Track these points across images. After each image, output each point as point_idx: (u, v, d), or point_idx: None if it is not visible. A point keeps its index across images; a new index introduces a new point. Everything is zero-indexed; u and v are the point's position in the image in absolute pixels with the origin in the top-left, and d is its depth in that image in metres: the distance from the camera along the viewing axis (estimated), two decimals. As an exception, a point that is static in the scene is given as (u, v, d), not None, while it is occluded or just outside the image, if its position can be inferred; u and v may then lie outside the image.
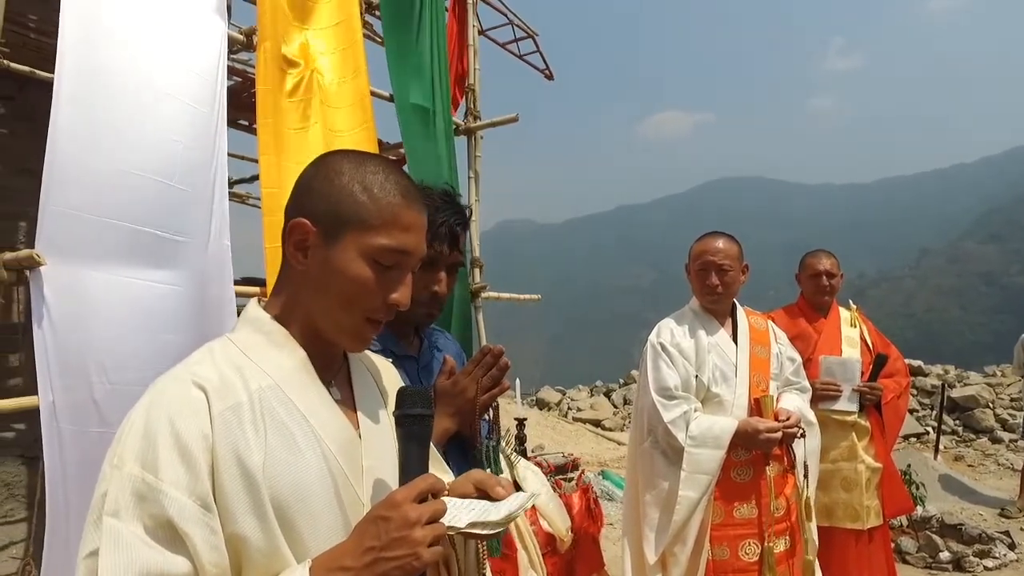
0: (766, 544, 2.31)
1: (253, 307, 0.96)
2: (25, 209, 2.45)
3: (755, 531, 2.35)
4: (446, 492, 0.93)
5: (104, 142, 2.33)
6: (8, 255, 2.22)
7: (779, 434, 2.32)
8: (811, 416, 2.60)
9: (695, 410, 2.39)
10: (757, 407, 2.41)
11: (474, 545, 1.00)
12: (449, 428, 1.40)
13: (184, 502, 0.74)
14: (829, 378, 2.92)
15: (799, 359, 2.72)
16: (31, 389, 2.15)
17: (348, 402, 0.95)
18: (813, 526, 2.48)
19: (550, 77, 6.88)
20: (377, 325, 0.93)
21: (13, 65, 2.43)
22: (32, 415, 2.16)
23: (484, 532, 0.84)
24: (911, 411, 9.81)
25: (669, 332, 2.53)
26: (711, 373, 2.44)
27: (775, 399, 2.47)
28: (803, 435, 2.42)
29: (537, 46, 6.72)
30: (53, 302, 2.16)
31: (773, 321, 2.78)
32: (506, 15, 6.38)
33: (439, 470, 1.12)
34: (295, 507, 0.81)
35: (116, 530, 0.73)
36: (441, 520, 0.80)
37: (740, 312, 2.60)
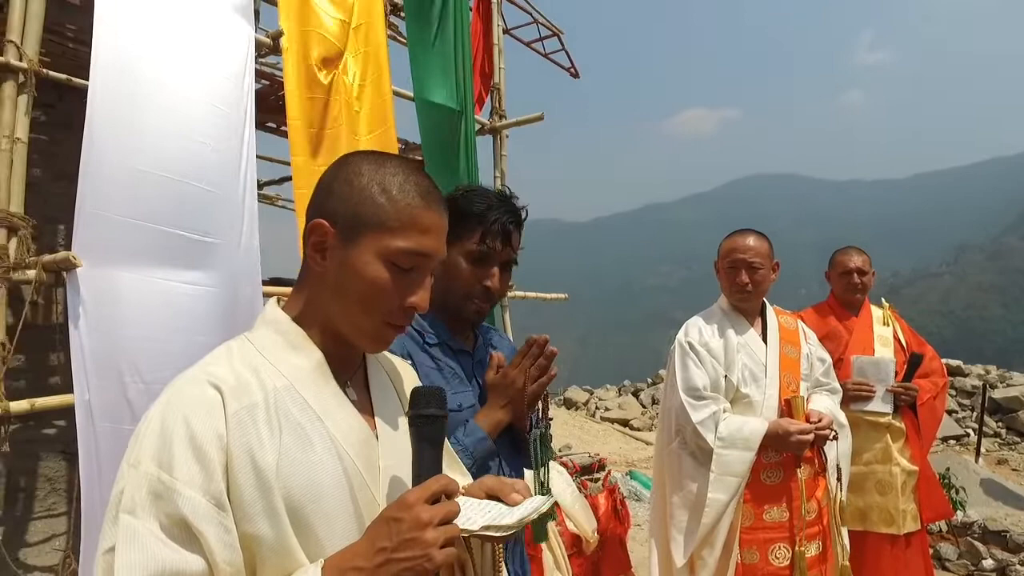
0: (797, 548, 2.26)
1: (271, 307, 0.96)
2: (63, 213, 2.51)
3: (786, 535, 2.30)
4: (460, 493, 0.92)
5: (136, 146, 2.38)
6: (47, 257, 2.28)
7: (810, 436, 2.27)
8: (843, 418, 2.54)
9: (724, 411, 2.36)
10: (788, 408, 2.36)
11: (490, 548, 0.99)
12: (502, 420, 1.42)
13: (198, 501, 0.75)
14: (861, 378, 2.85)
15: (829, 360, 2.66)
16: (70, 387, 2.21)
17: (365, 403, 0.95)
18: (846, 530, 2.42)
19: (575, 75, 6.86)
20: (397, 328, 0.92)
21: (52, 74, 2.50)
22: (71, 412, 2.22)
23: (498, 535, 0.83)
24: (950, 412, 9.55)
25: (697, 331, 2.49)
26: (740, 373, 2.40)
27: (806, 400, 2.42)
28: (835, 437, 2.36)
29: (562, 44, 6.70)
30: (88, 303, 2.22)
31: (802, 320, 2.73)
32: (531, 14, 6.37)
33: (456, 471, 1.12)
34: (309, 507, 0.81)
35: (132, 527, 0.73)
36: (455, 521, 0.79)
37: (770, 311, 2.55)
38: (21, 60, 2.35)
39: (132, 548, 0.72)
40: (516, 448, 1.51)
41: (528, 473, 1.49)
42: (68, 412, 2.27)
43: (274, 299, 0.97)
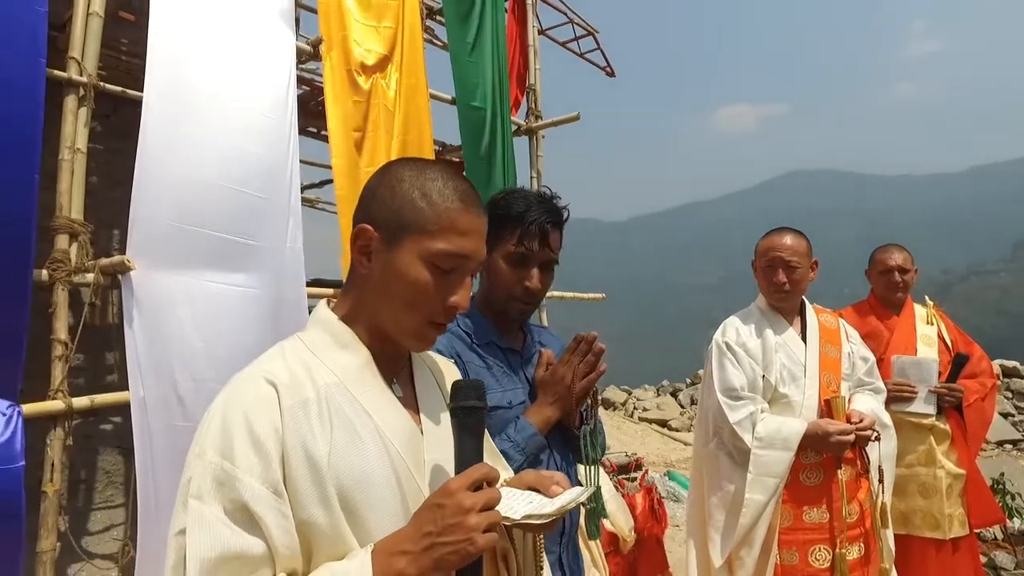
0: (838, 550, 2.23)
1: (322, 308, 1.00)
2: (118, 218, 2.64)
3: (826, 536, 2.26)
4: (503, 481, 0.96)
5: (186, 154, 2.48)
6: (104, 261, 2.40)
7: (851, 437, 2.23)
8: (886, 418, 2.48)
9: (762, 411, 2.33)
10: (828, 408, 2.32)
11: (532, 539, 1.01)
12: (551, 416, 1.45)
13: (257, 488, 0.80)
14: (902, 379, 2.78)
15: (873, 359, 2.60)
16: (126, 385, 2.32)
17: (410, 399, 0.99)
18: (889, 533, 2.37)
19: (611, 74, 6.83)
20: (439, 327, 0.96)
21: (108, 87, 2.63)
22: (126, 409, 2.33)
23: (538, 523, 0.86)
24: (1005, 415, 9.18)
25: (735, 331, 2.47)
26: (779, 373, 2.37)
27: (847, 400, 2.38)
28: (877, 438, 2.32)
29: (598, 43, 6.68)
30: (142, 304, 2.32)
31: (843, 319, 2.68)
32: (566, 14, 6.38)
33: (498, 464, 1.15)
34: (358, 496, 0.85)
35: (200, 512, 0.79)
36: (498, 509, 0.82)
37: (809, 310, 2.51)
38: (81, 75, 2.48)
39: (201, 530, 0.78)
40: (567, 443, 1.53)
41: (580, 469, 1.52)
42: (124, 408, 2.39)
43: (324, 300, 1.02)
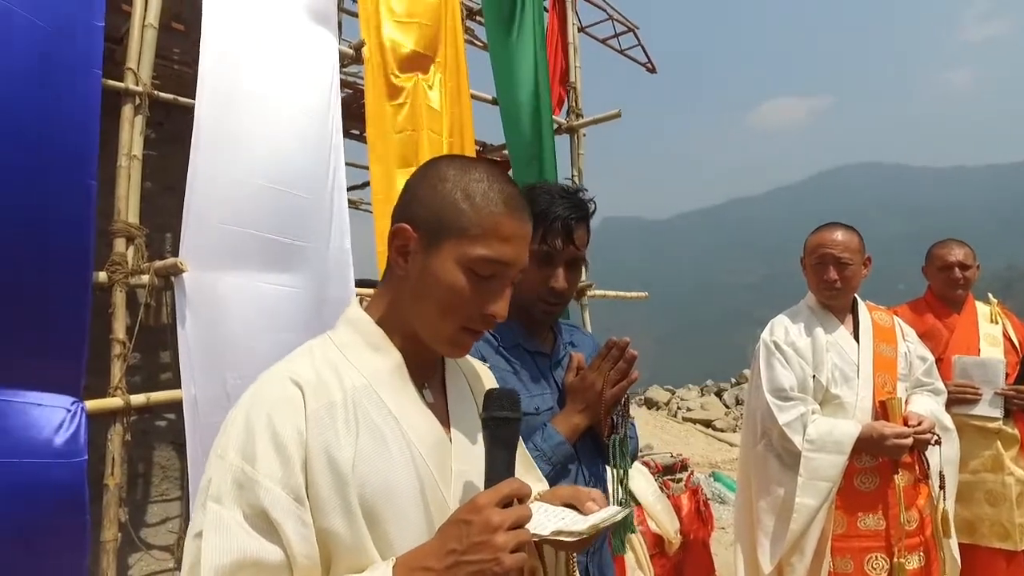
0: (896, 559, 2.14)
1: (354, 307, 0.97)
2: (171, 222, 2.72)
3: (883, 544, 2.18)
4: (535, 497, 0.91)
5: (236, 158, 2.55)
6: (158, 263, 2.48)
7: (909, 440, 2.14)
8: (947, 421, 2.38)
9: (813, 412, 2.26)
10: (883, 410, 2.24)
11: (564, 557, 0.96)
12: (580, 424, 1.39)
13: (277, 493, 0.77)
14: (965, 380, 2.66)
15: (931, 358, 2.49)
16: (179, 383, 2.39)
17: (441, 405, 0.95)
18: (953, 543, 2.27)
19: (652, 70, 6.75)
20: (475, 334, 0.92)
21: (161, 94, 2.72)
22: (180, 406, 2.40)
23: (568, 540, 0.81)
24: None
25: (783, 330, 2.41)
26: (830, 373, 2.30)
27: (904, 402, 2.29)
28: (938, 441, 2.22)
29: (638, 39, 6.61)
30: (193, 305, 2.40)
31: (898, 317, 2.58)
32: (605, 10, 6.33)
33: (532, 477, 1.10)
34: (382, 505, 0.82)
35: (218, 515, 0.77)
36: (526, 526, 0.78)
37: (862, 307, 2.42)
38: (137, 84, 2.57)
39: (218, 534, 0.76)
40: (598, 451, 1.47)
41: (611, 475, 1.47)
42: (177, 406, 2.46)
43: (356, 299, 1.01)
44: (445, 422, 0.93)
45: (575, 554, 0.97)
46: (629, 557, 2.43)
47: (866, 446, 2.18)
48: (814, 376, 2.31)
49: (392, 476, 0.83)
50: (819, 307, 2.41)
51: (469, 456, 0.91)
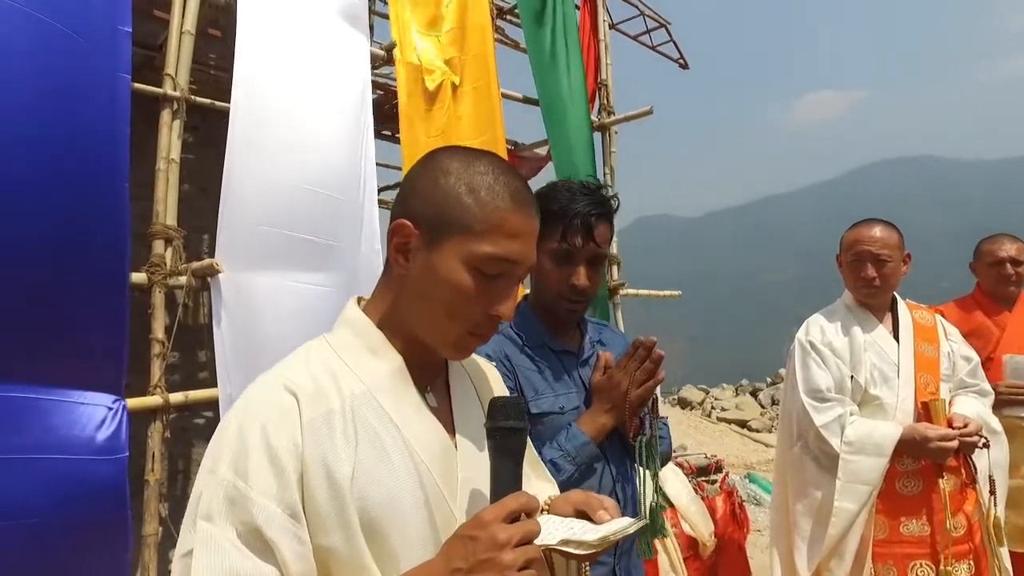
0: (943, 567, 2.06)
1: (351, 307, 0.91)
2: (208, 223, 2.79)
3: (927, 551, 2.10)
4: (544, 510, 0.87)
5: (270, 159, 2.60)
6: (195, 264, 2.54)
7: (954, 443, 2.07)
8: (995, 423, 2.29)
9: (851, 414, 2.20)
10: (926, 412, 2.16)
11: (576, 568, 0.92)
12: (605, 424, 1.37)
13: (272, 510, 0.73)
14: (1016, 380, 2.56)
15: (976, 358, 2.40)
16: (216, 382, 2.44)
17: (445, 409, 0.90)
18: (1005, 551, 2.18)
19: (684, 66, 6.67)
20: (481, 337, 0.87)
21: (198, 99, 2.78)
22: (217, 404, 2.45)
23: (576, 552, 0.77)
24: None
25: (819, 329, 2.35)
26: (868, 374, 2.23)
27: (947, 403, 2.21)
28: (986, 444, 2.14)
29: (670, 35, 6.54)
30: (229, 305, 2.44)
31: (943, 316, 2.49)
32: (636, 6, 6.28)
33: (542, 479, 1.06)
34: (384, 519, 0.77)
35: (209, 533, 0.72)
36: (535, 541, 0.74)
37: (902, 306, 2.35)
38: (175, 90, 2.63)
39: (209, 553, 0.72)
40: (626, 451, 1.44)
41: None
42: (215, 404, 2.52)
43: (354, 298, 0.94)
44: (449, 427, 0.88)
45: (587, 567, 0.92)
46: (663, 560, 2.40)
47: (908, 449, 2.11)
48: (852, 377, 2.25)
49: (395, 488, 0.79)
50: (856, 306, 2.35)
51: (476, 463, 0.86)
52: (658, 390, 1.42)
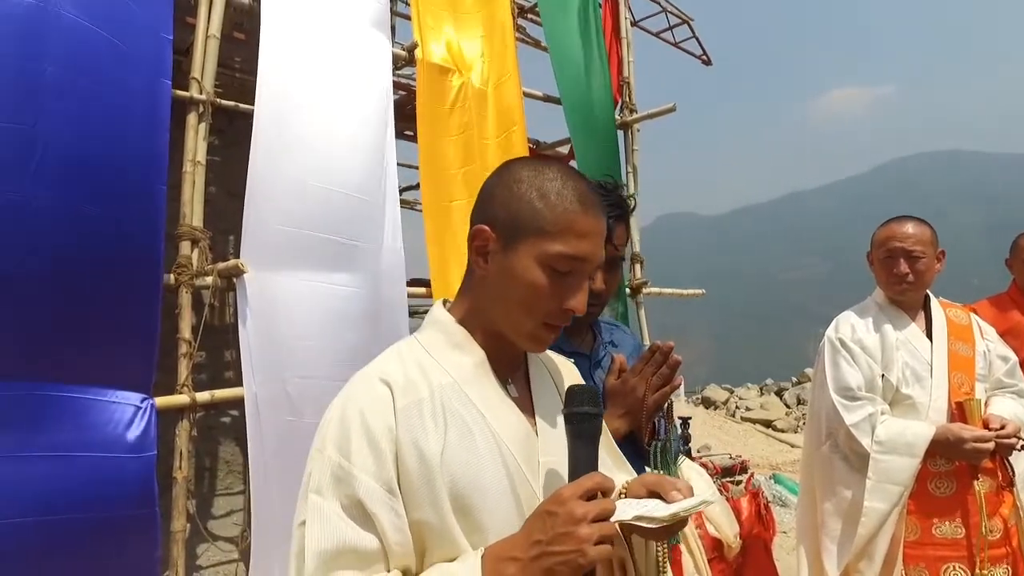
0: (978, 571, 2.01)
1: (438, 309, 1.01)
2: (234, 225, 2.82)
3: (962, 554, 2.05)
4: (621, 492, 0.93)
5: (294, 160, 2.62)
6: (221, 265, 2.57)
7: (990, 444, 2.01)
8: (1032, 424, 2.23)
9: (882, 413, 2.16)
10: (960, 412, 2.11)
11: (654, 548, 0.98)
12: (620, 428, 1.36)
13: (372, 486, 0.83)
14: None
15: (1014, 358, 2.33)
16: (241, 381, 2.47)
17: (525, 400, 0.99)
18: (1044, 556, 2.12)
19: (707, 62, 6.60)
20: (555, 329, 0.95)
21: (223, 102, 2.81)
22: (242, 403, 2.48)
23: (649, 526, 0.83)
24: None
25: (849, 327, 2.30)
26: (900, 372, 2.18)
27: (983, 403, 2.16)
28: (1023, 447, 2.08)
29: (693, 31, 6.48)
30: (254, 305, 2.47)
31: (976, 314, 2.43)
32: (659, 3, 6.22)
33: (623, 471, 1.12)
34: (471, 497, 0.85)
35: (319, 505, 0.83)
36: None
37: (935, 304, 2.30)
38: (201, 93, 2.67)
39: (319, 523, 0.82)
40: (639, 457, 1.42)
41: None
42: (240, 403, 2.55)
43: (440, 300, 1.03)
44: (530, 415, 0.96)
45: (665, 545, 0.98)
46: (687, 561, 2.37)
47: (941, 449, 2.06)
48: (883, 375, 2.20)
49: (480, 469, 0.87)
50: (888, 303, 2.30)
51: (555, 447, 0.93)
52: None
